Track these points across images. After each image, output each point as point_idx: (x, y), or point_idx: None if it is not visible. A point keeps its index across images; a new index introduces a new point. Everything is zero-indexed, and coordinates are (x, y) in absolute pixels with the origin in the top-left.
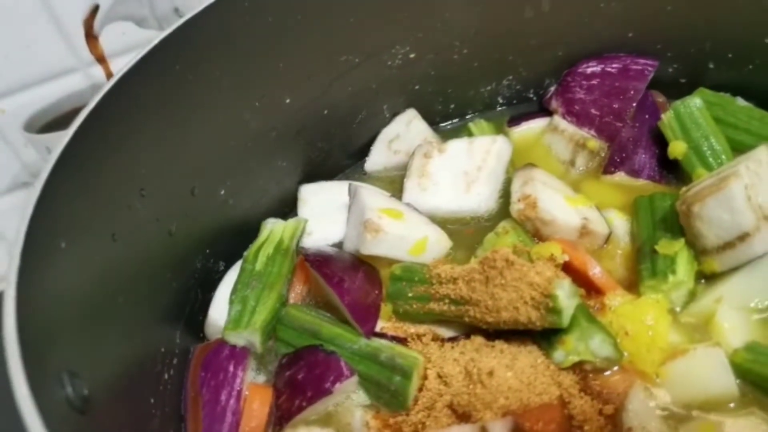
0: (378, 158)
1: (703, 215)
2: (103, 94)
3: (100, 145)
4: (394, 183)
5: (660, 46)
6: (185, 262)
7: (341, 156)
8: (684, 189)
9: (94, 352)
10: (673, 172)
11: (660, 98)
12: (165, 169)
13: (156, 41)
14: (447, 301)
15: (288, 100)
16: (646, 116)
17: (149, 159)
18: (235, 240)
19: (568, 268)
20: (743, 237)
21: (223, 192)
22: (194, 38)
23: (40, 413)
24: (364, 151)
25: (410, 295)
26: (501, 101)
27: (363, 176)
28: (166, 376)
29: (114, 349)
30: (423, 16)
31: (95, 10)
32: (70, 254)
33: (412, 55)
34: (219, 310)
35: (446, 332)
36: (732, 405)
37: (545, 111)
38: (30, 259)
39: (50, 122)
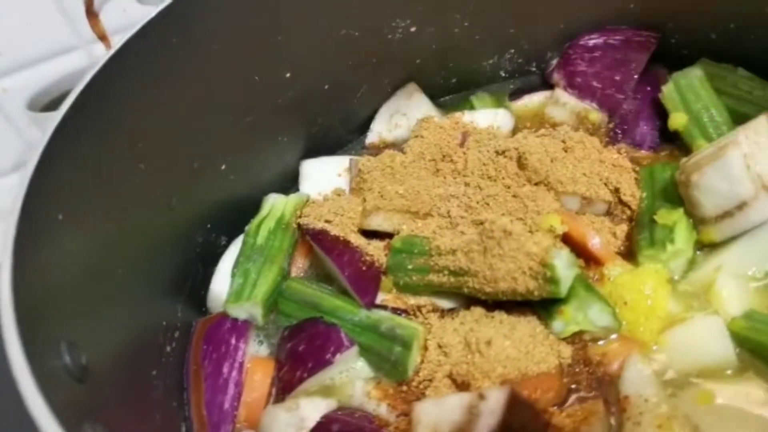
0: (379, 132)
1: (702, 184)
2: (102, 65)
3: (97, 117)
4: None
5: (661, 17)
6: (186, 236)
7: (342, 131)
8: (684, 160)
9: (94, 323)
10: (674, 143)
11: (662, 70)
12: (164, 143)
13: (153, 14)
14: (446, 272)
15: (288, 75)
16: (648, 88)
17: (148, 132)
18: (236, 215)
19: (567, 239)
20: (741, 206)
21: (224, 167)
22: (192, 12)
23: (37, 380)
24: (365, 126)
25: (410, 267)
26: (503, 75)
27: (364, 151)
28: (168, 349)
29: (114, 320)
30: None
31: None
32: (68, 226)
33: (413, 29)
34: (221, 284)
35: (446, 303)
36: (729, 372)
37: (547, 85)
38: (26, 229)
39: (53, 101)
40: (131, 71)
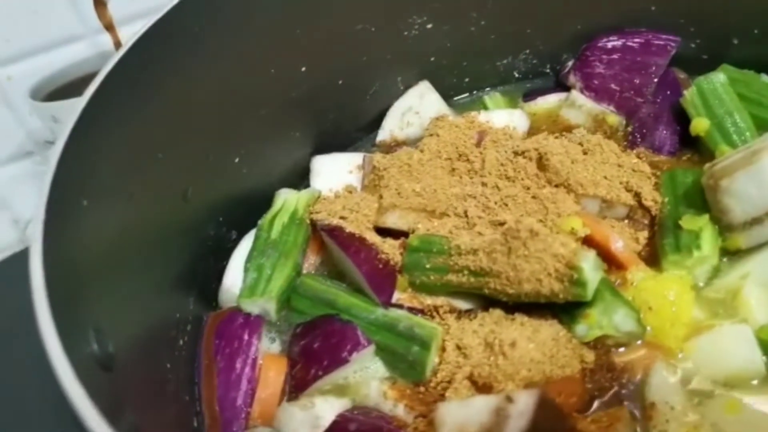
0: (390, 130)
1: (732, 190)
2: (124, 52)
3: (118, 104)
4: None
5: (683, 21)
6: (199, 228)
7: (352, 128)
8: (709, 164)
9: (115, 312)
10: (694, 148)
11: (681, 75)
12: (181, 132)
13: (173, 3)
14: (466, 272)
15: (303, 69)
16: (668, 92)
17: (166, 121)
18: (247, 209)
19: (589, 242)
20: None
21: (237, 159)
22: (209, 4)
23: (74, 368)
24: (375, 123)
25: (428, 266)
26: (516, 76)
27: (374, 149)
28: (180, 342)
29: (133, 310)
30: None
31: None
32: (92, 212)
33: (429, 26)
34: (233, 279)
35: (463, 304)
36: (755, 382)
37: (561, 86)
38: (54, 214)
39: (56, 90)
40: (150, 60)
